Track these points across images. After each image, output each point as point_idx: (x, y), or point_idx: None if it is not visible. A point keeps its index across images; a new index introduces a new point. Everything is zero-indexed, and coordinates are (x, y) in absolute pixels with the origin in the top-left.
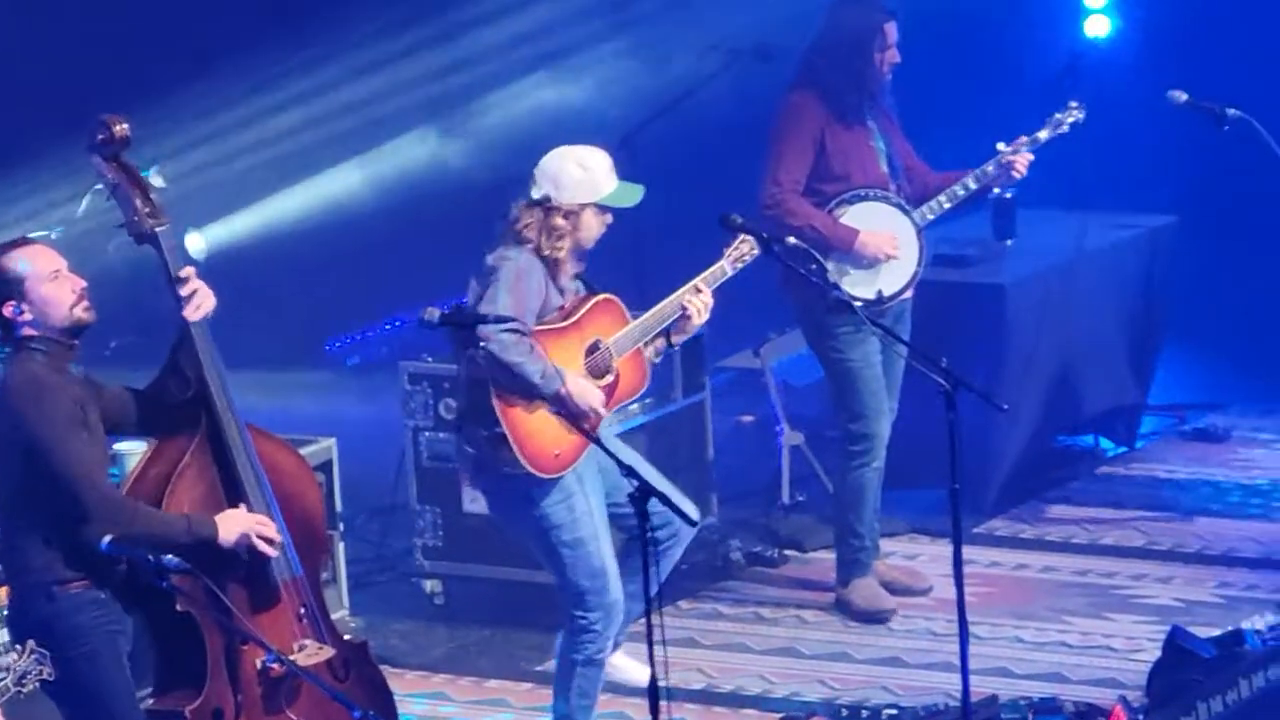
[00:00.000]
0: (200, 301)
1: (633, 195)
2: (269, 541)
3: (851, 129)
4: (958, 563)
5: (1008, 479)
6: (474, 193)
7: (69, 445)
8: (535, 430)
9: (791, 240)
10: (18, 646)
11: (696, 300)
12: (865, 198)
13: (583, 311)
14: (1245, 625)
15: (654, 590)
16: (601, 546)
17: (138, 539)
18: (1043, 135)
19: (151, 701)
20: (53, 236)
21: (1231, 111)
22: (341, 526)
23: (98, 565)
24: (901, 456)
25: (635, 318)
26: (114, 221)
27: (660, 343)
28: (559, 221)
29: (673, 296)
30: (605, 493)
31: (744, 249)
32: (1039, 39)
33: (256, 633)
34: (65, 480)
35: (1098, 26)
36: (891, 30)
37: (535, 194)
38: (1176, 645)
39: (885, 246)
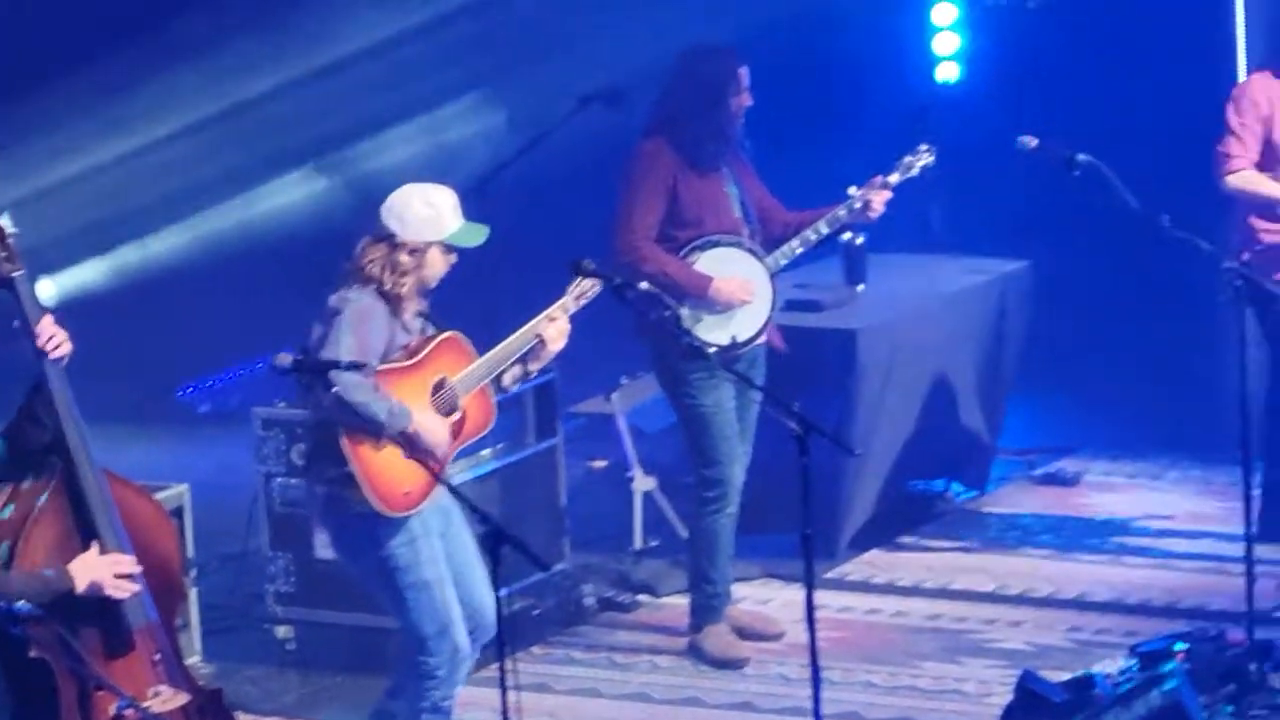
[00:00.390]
0: (58, 347)
1: (477, 235)
2: (128, 577)
3: (704, 175)
4: (810, 607)
5: (860, 523)
6: (330, 238)
7: None
8: (383, 469)
9: (644, 286)
10: None
11: (552, 328)
12: (718, 244)
13: (427, 350)
14: (1096, 669)
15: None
16: (447, 591)
17: None
18: (893, 179)
19: None
20: None
21: (1081, 157)
22: (194, 572)
23: None
24: (754, 501)
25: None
26: None
27: (518, 370)
28: (404, 258)
29: (519, 331)
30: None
31: (586, 285)
32: (890, 85)
33: (110, 679)
34: None
35: (948, 72)
36: (744, 75)
37: (381, 231)
38: (1027, 689)
39: (739, 292)
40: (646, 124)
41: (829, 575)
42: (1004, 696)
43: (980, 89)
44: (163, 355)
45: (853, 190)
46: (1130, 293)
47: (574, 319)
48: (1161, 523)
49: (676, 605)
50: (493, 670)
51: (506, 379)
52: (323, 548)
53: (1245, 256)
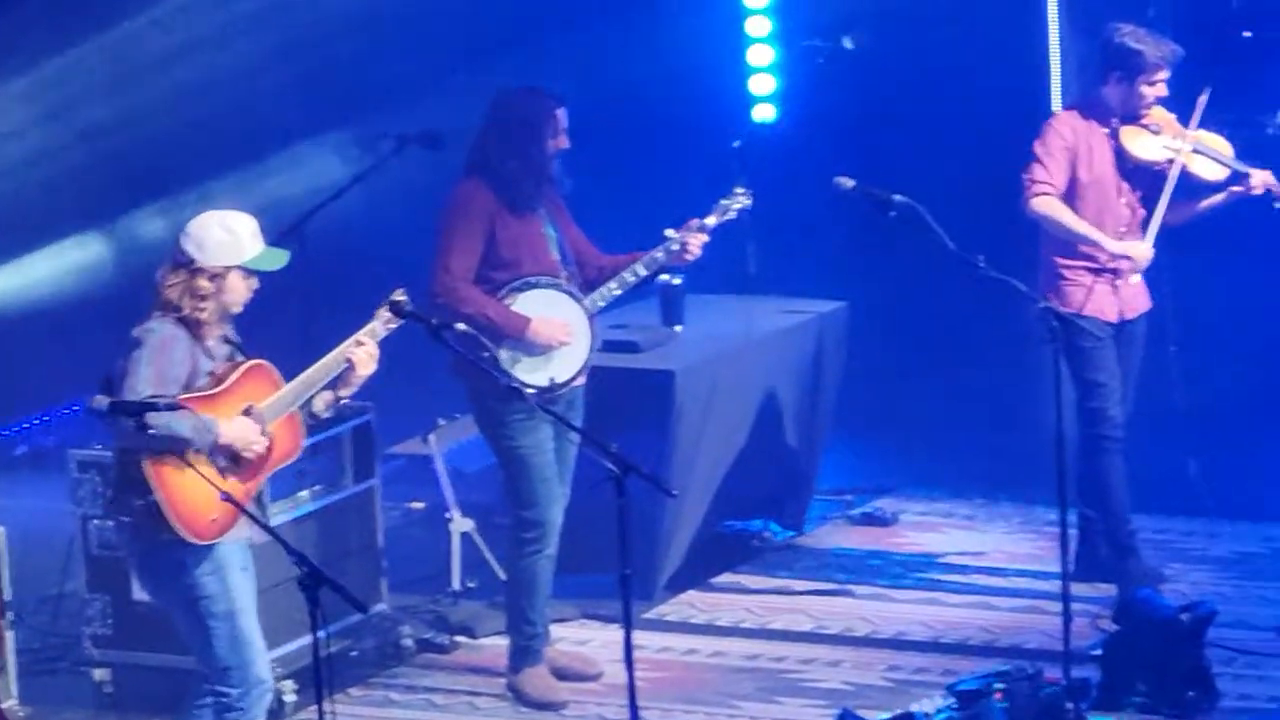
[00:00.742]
0: None
1: (277, 260)
2: None
3: (522, 216)
4: (628, 648)
5: (678, 563)
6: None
7: None
8: (189, 496)
9: (462, 327)
10: None
11: (360, 352)
12: (536, 285)
13: (234, 377)
14: (914, 708)
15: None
16: (251, 622)
17: None
18: (710, 221)
19: None
20: None
21: (898, 198)
22: (11, 615)
23: None
24: (572, 541)
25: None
26: None
27: (329, 395)
28: (203, 283)
29: (326, 358)
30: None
31: (389, 312)
32: (707, 126)
33: None
34: None
35: (765, 113)
36: (562, 116)
37: (180, 257)
38: None
39: (557, 333)
40: (464, 165)
41: (647, 615)
42: None
43: (797, 130)
44: None
45: (669, 233)
46: (946, 333)
47: (393, 361)
48: (978, 561)
49: (495, 647)
50: (311, 712)
51: (318, 404)
52: (140, 589)
53: (1050, 300)
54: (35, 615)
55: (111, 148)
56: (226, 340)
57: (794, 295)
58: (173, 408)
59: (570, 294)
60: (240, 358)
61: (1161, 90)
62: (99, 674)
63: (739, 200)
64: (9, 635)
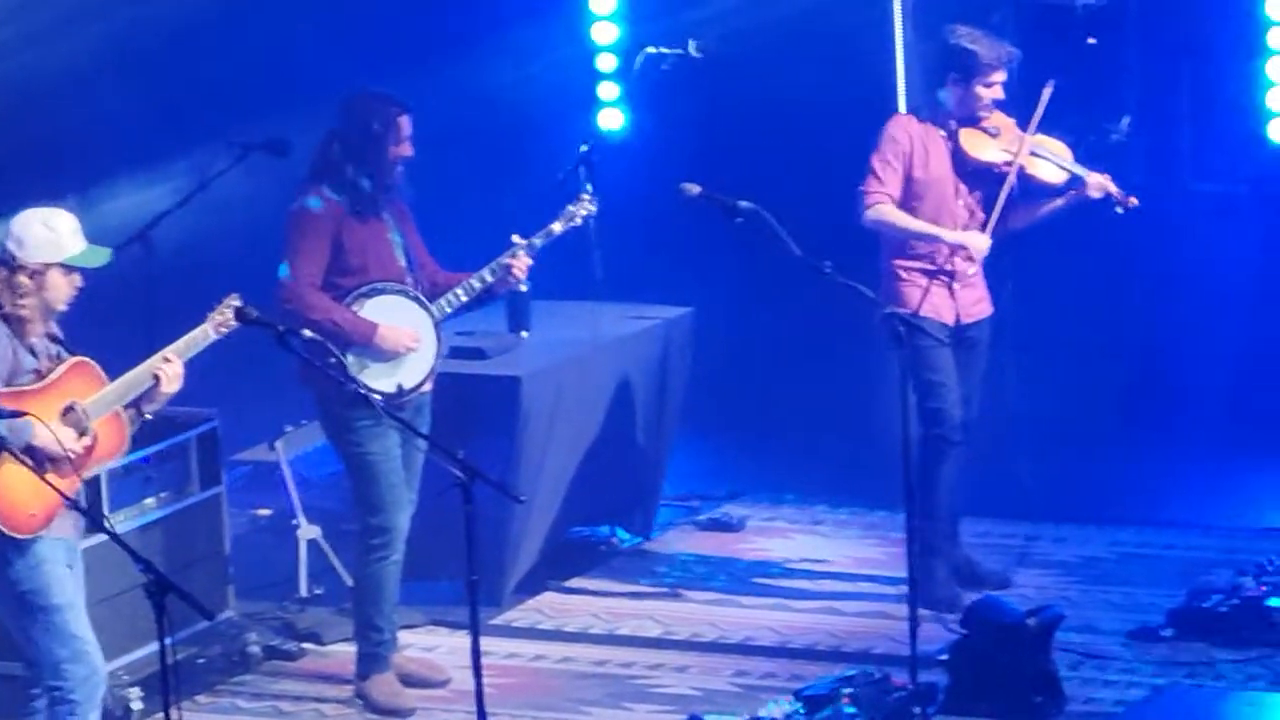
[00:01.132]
0: None
1: (98, 257)
2: None
3: (367, 222)
4: (476, 654)
5: (525, 570)
6: None
7: None
8: (6, 491)
9: (308, 334)
10: None
11: (166, 369)
12: (383, 291)
13: (57, 374)
14: (762, 713)
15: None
16: (80, 616)
17: None
18: (556, 227)
19: None
20: None
21: (744, 204)
22: None
23: None
24: (420, 548)
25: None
26: None
27: (131, 412)
28: (23, 280)
29: (146, 363)
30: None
31: (229, 314)
32: (552, 131)
33: None
34: None
35: (611, 119)
36: (405, 123)
37: (0, 253)
38: None
39: (404, 340)
40: (308, 171)
41: (495, 621)
42: None
43: (643, 136)
44: None
45: (516, 238)
46: (793, 339)
47: (239, 368)
48: (825, 567)
49: (342, 653)
50: (158, 719)
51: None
52: None
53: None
54: None
55: None
56: (52, 339)
57: (640, 301)
58: (11, 415)
59: (417, 300)
60: (66, 356)
61: (998, 92)
62: None
63: (585, 206)
64: None
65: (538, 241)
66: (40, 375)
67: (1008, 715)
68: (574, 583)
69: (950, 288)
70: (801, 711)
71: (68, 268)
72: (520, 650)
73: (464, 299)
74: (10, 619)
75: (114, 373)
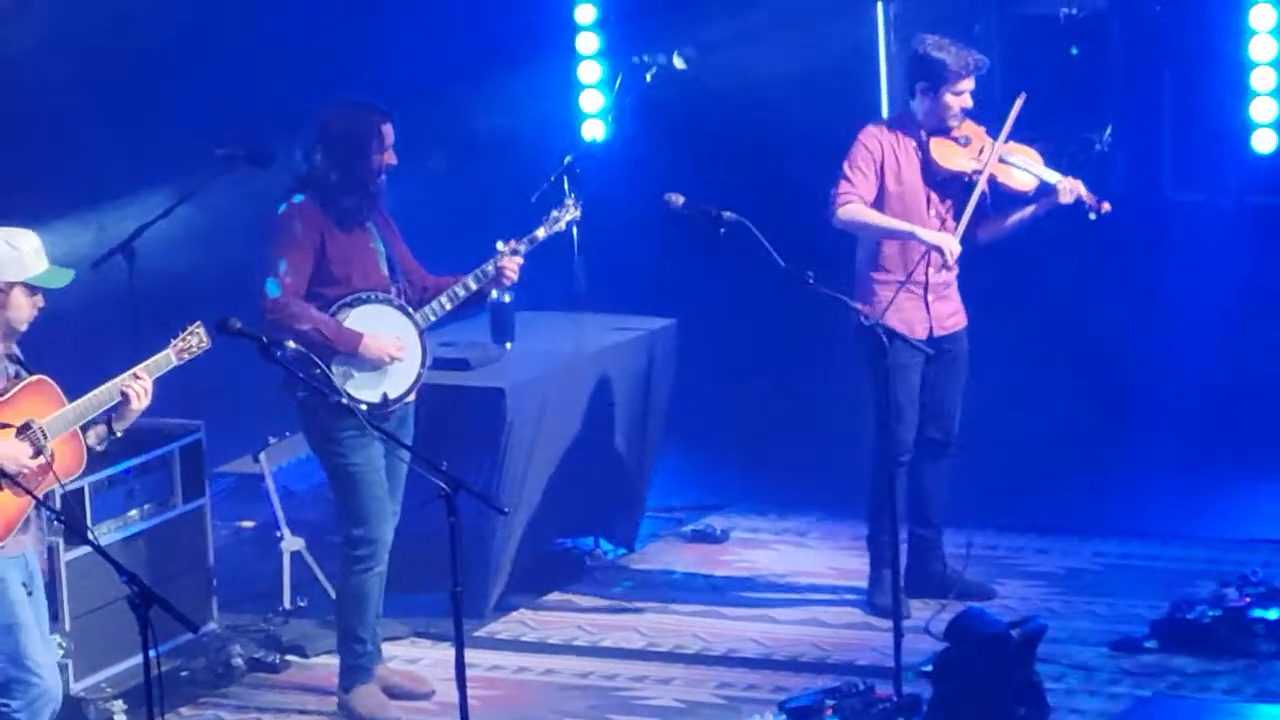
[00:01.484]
0: None
1: (61, 278)
2: None
3: (351, 232)
4: (460, 666)
5: (509, 581)
6: None
7: None
8: None
9: (292, 345)
10: None
11: (136, 385)
12: (367, 300)
13: (13, 392)
14: None
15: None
16: (33, 637)
17: None
18: (540, 233)
19: None
20: None
21: (728, 215)
22: None
23: None
24: (403, 559)
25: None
26: None
27: (102, 429)
28: None
29: (109, 383)
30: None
31: (192, 341)
32: (536, 141)
33: None
34: None
35: (594, 130)
36: (388, 132)
37: None
38: None
39: (389, 349)
40: (290, 181)
41: (479, 634)
42: None
43: (627, 147)
44: None
45: (500, 245)
46: (776, 349)
47: (223, 380)
48: (809, 579)
49: (326, 665)
50: None
51: (91, 439)
52: None
53: (861, 307)
54: None
55: None
56: (12, 359)
57: (624, 312)
58: None
59: (401, 309)
60: (26, 376)
61: (967, 101)
62: None
63: (569, 212)
64: None
65: (522, 247)
66: None
67: None
68: (558, 595)
69: (924, 300)
70: None
71: (31, 288)
72: (504, 662)
73: (448, 307)
74: None
75: (93, 385)
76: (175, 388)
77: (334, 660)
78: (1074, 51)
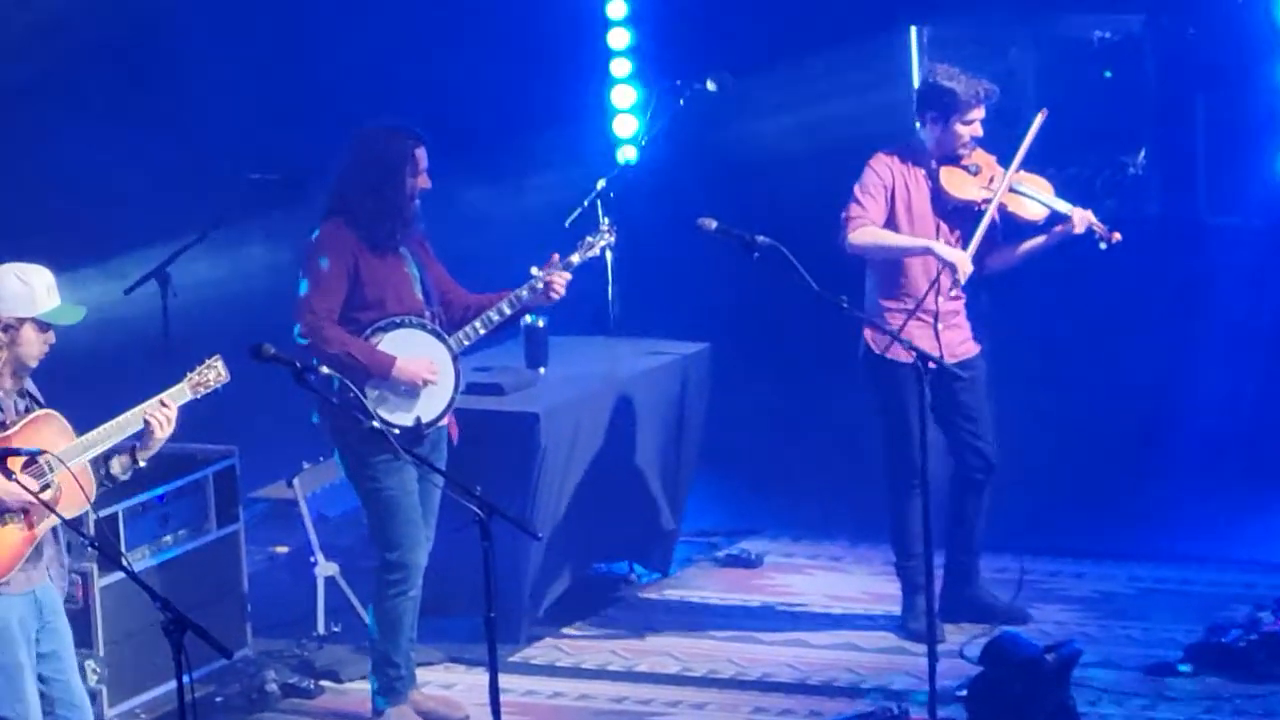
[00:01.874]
0: None
1: (73, 315)
2: None
3: (384, 256)
4: (494, 691)
5: (543, 606)
6: None
7: None
8: None
9: (325, 370)
10: None
11: (159, 414)
12: (401, 324)
13: (21, 424)
14: None
15: None
16: (27, 680)
17: None
18: (575, 258)
19: None
20: None
21: (761, 239)
22: None
23: None
24: (437, 584)
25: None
26: None
27: (125, 459)
28: None
29: (124, 415)
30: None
31: (209, 375)
32: (571, 166)
33: None
34: None
35: (628, 154)
36: (422, 155)
37: None
38: None
39: (423, 373)
40: (324, 205)
41: (513, 659)
42: None
43: (660, 171)
44: None
45: (535, 270)
46: (810, 374)
47: (256, 405)
48: (844, 603)
49: (360, 690)
50: None
51: (115, 466)
52: None
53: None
54: None
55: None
56: (23, 394)
57: (657, 337)
58: None
59: (435, 333)
60: (36, 410)
61: (977, 130)
62: None
63: (604, 237)
64: None
65: (573, 260)
66: (4, 427)
67: None
68: (592, 620)
69: (934, 328)
70: None
71: (42, 324)
72: (538, 687)
73: (482, 332)
74: None
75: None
76: (209, 413)
77: (368, 686)
78: (1108, 75)
